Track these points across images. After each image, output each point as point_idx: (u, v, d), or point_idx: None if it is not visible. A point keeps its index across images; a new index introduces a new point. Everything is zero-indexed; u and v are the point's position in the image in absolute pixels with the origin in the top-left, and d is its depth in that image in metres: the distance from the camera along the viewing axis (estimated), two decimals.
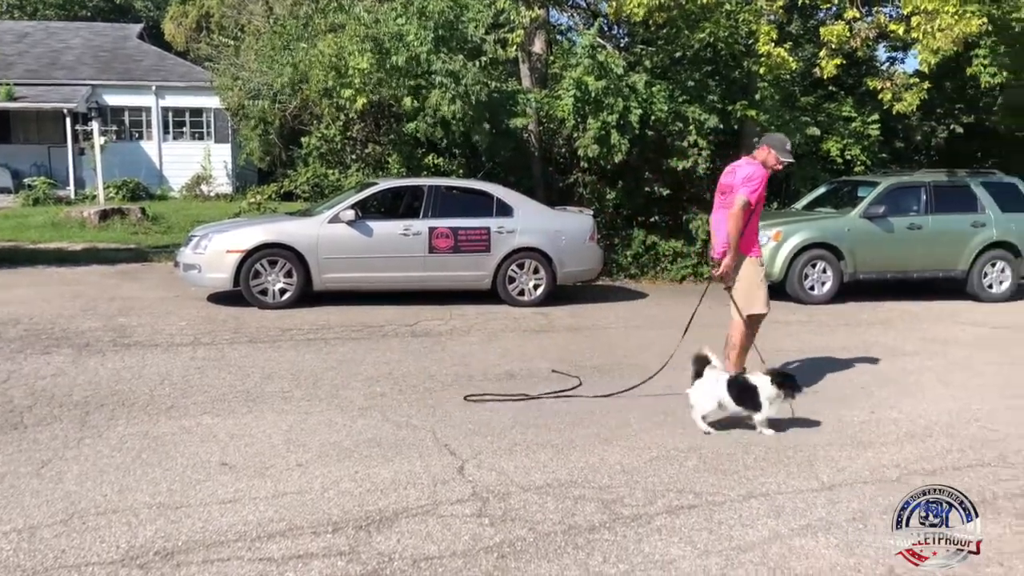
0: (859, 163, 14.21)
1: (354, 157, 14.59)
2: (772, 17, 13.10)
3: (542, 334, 8.51)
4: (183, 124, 23.52)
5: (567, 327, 8.96)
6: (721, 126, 13.36)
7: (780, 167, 6.04)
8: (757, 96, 13.30)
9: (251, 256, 9.29)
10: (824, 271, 11.17)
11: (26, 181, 20.88)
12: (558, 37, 16.60)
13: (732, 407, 5.15)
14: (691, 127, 13.03)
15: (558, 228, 10.37)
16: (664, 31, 13.62)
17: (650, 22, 12.95)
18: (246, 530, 3.60)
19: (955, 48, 11.45)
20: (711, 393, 5.17)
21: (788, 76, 13.51)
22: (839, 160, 14.39)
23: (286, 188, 15.02)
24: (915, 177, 12.22)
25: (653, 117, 12.62)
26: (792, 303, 10.87)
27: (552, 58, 15.12)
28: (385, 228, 9.82)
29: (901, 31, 12.13)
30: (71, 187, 20.92)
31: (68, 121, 21.07)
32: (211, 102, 21.21)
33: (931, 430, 5.36)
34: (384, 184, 10.69)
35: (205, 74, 21.18)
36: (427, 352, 7.39)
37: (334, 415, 5.36)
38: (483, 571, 3.29)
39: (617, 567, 3.35)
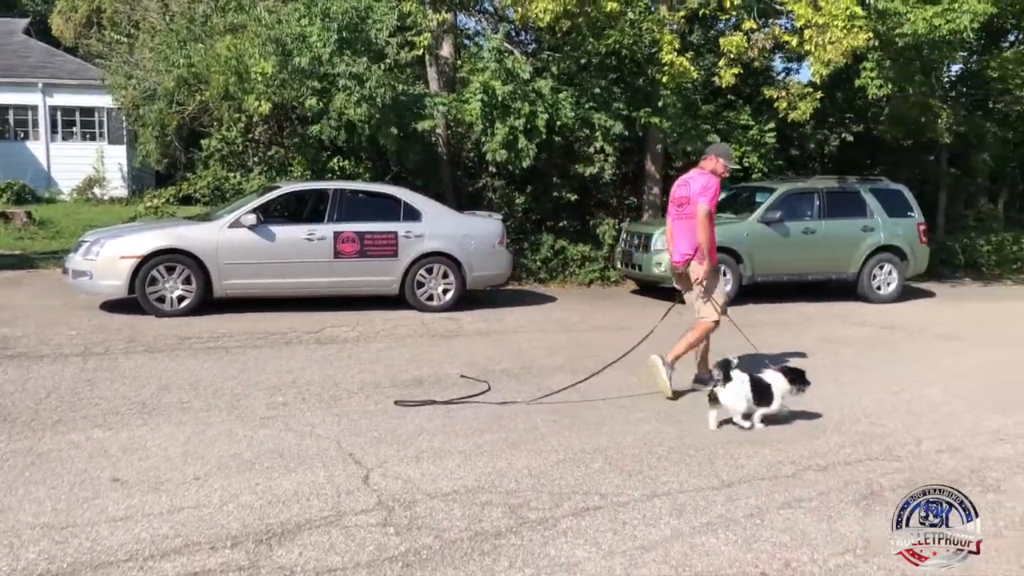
0: (757, 170, 14.70)
1: (256, 160, 14.24)
2: (674, 27, 13.46)
3: (451, 339, 8.48)
4: (73, 124, 22.40)
5: (477, 331, 8.95)
6: (626, 133, 13.62)
7: (727, 174, 6.48)
8: (660, 104, 13.63)
9: (147, 262, 8.95)
10: (724, 274, 11.50)
11: None
12: (466, 41, 16.61)
13: (752, 404, 5.48)
14: (597, 133, 13.24)
15: (467, 232, 10.36)
16: (570, 38, 13.80)
17: (556, 29, 13.11)
18: (138, 548, 3.44)
19: (844, 60, 12.04)
20: (741, 393, 5.43)
21: (690, 85, 13.89)
22: (738, 167, 14.88)
23: (185, 192, 14.52)
24: (809, 184, 12.75)
25: (560, 123, 12.77)
26: None
27: (460, 62, 15.12)
28: (289, 233, 9.61)
29: (795, 43, 12.67)
30: None
31: None
32: (104, 101, 20.26)
33: (824, 427, 5.58)
34: (288, 188, 10.47)
35: (97, 72, 20.23)
36: (332, 359, 7.25)
37: (234, 426, 5.19)
38: None
39: (523, 572, 3.35)
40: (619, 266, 13.02)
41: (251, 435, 5.00)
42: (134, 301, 8.98)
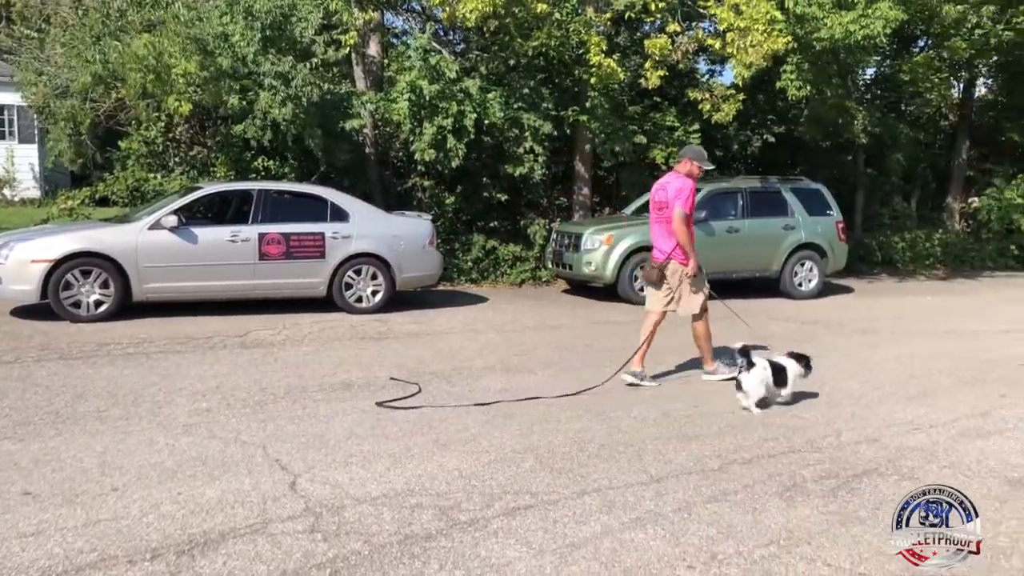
0: None
1: (177, 160, 13.84)
2: (601, 28, 13.60)
3: (381, 341, 8.39)
4: None
5: (407, 333, 8.87)
6: (555, 133, 13.71)
7: (702, 174, 6.88)
8: (588, 104, 13.75)
9: (61, 266, 8.61)
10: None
11: None
12: (393, 40, 16.48)
13: (772, 388, 5.91)
14: (527, 133, 13.28)
15: (396, 233, 10.26)
16: (498, 38, 13.81)
17: (484, 29, 13.11)
18: (51, 564, 3.29)
19: (765, 63, 12.37)
20: (763, 379, 5.83)
21: (617, 86, 14.06)
22: (664, 167, 15.08)
23: (102, 193, 13.98)
24: (733, 184, 13.04)
25: (488, 122, 12.76)
26: (624, 303, 11.31)
27: (387, 61, 14.98)
28: (211, 234, 9.37)
29: (718, 46, 12.96)
30: None
31: None
32: (13, 99, 19.36)
33: (749, 421, 5.70)
34: (210, 188, 10.20)
35: (6, 68, 19.37)
36: (258, 364, 7.09)
37: (155, 434, 5.02)
38: None
39: (453, 574, 3.33)
40: (550, 266, 13.10)
41: (173, 443, 4.85)
42: (47, 307, 8.63)
